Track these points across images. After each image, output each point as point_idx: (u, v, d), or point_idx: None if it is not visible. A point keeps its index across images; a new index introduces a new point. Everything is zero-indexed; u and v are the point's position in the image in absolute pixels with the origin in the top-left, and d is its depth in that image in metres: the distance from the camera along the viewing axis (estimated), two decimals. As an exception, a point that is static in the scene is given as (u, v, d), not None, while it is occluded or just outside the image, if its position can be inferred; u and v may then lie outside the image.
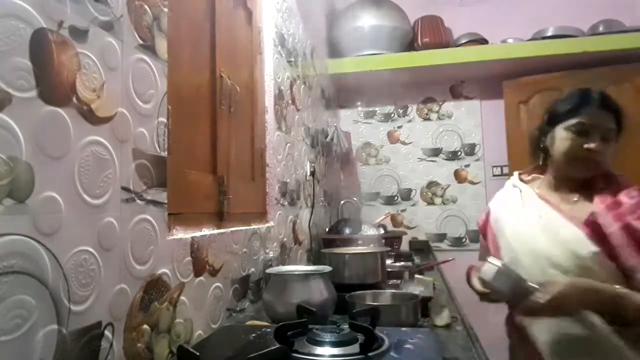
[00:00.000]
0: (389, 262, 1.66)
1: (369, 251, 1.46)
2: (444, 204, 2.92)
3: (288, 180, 1.71)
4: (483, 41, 2.68)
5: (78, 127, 0.64)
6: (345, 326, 0.79)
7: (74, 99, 0.64)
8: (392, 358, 0.72)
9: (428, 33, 2.77)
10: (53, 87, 0.60)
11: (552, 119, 1.18)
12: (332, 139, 2.46)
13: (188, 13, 1.08)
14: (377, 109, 3.05)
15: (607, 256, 1.01)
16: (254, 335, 0.88)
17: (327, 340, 0.74)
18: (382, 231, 2.23)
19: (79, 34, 0.65)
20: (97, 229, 0.68)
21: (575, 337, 1.00)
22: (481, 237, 1.38)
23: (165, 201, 0.86)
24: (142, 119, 0.80)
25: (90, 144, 0.67)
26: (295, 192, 1.81)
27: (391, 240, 2.10)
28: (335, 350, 0.72)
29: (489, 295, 1.07)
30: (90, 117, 0.67)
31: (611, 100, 1.13)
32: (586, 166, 1.11)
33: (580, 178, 1.14)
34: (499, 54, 2.55)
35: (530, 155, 1.27)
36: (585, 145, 1.09)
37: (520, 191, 1.25)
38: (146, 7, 0.83)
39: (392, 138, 3.03)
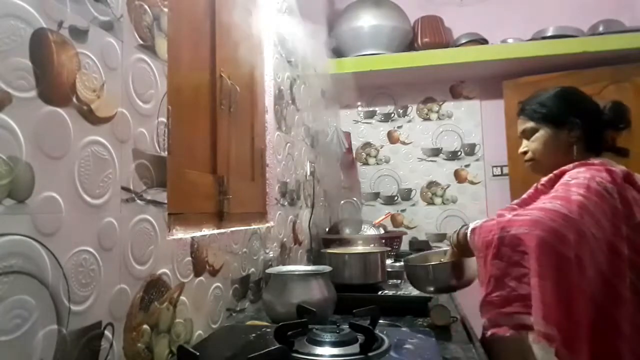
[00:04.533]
0: (389, 262, 1.66)
1: (369, 251, 1.46)
2: (444, 204, 2.92)
3: (288, 180, 1.71)
4: (483, 41, 2.68)
5: (78, 127, 0.65)
6: (345, 326, 0.79)
7: (74, 99, 0.64)
8: (392, 358, 0.72)
9: (428, 33, 2.76)
10: (53, 87, 0.60)
11: None
12: (332, 139, 2.46)
13: (188, 13, 1.08)
14: (377, 109, 3.05)
15: None
16: (254, 335, 0.88)
17: (327, 340, 0.74)
18: (382, 231, 2.23)
19: (79, 34, 0.65)
20: (97, 229, 0.68)
21: None
22: None
23: (165, 201, 0.86)
24: (142, 119, 0.80)
25: (90, 144, 0.67)
26: (295, 192, 1.81)
27: (391, 240, 2.10)
28: (335, 350, 0.72)
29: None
30: (90, 117, 0.67)
31: (526, 102, 1.23)
32: (529, 168, 1.23)
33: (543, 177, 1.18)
34: (499, 54, 2.55)
35: None
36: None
37: None
38: (146, 7, 0.83)
39: (392, 138, 3.02)
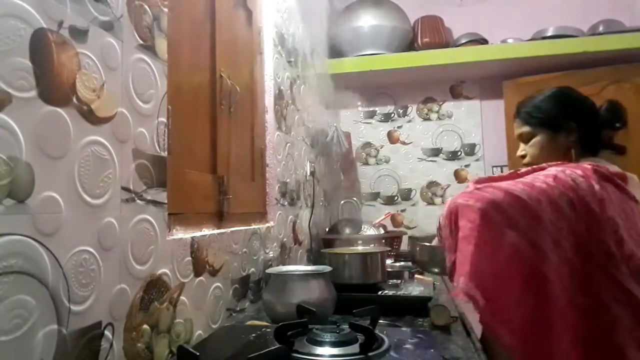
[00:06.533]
0: (389, 262, 1.66)
1: (369, 251, 1.46)
2: (444, 204, 2.91)
3: (288, 180, 1.71)
4: (483, 41, 2.68)
5: (78, 127, 0.64)
6: (345, 326, 0.79)
7: (74, 99, 0.64)
8: (392, 358, 0.72)
9: (428, 33, 2.76)
10: (53, 87, 0.60)
11: None
12: (332, 139, 2.46)
13: (188, 13, 1.08)
14: (377, 109, 3.05)
15: None
16: (254, 335, 0.88)
17: (327, 340, 0.74)
18: (382, 231, 2.23)
19: (79, 34, 0.65)
20: (97, 229, 0.68)
21: None
22: None
23: (165, 201, 0.86)
24: (142, 119, 0.80)
25: (90, 144, 0.67)
26: (295, 192, 1.81)
27: (391, 240, 2.10)
28: (335, 350, 0.72)
29: None
30: (90, 117, 0.67)
31: (522, 105, 1.23)
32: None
33: None
34: (499, 54, 2.55)
35: None
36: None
37: None
38: (146, 7, 0.83)
39: (392, 138, 3.02)
